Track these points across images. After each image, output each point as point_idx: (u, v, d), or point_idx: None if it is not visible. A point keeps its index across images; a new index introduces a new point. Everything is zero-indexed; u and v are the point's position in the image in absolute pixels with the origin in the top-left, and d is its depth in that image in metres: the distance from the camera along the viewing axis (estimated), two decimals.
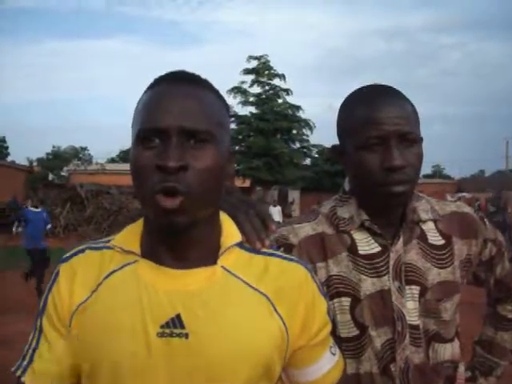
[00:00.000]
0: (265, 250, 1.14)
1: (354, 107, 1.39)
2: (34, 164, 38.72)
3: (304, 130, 32.20)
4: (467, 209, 1.55)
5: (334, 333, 1.35)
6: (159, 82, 1.06)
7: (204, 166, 0.99)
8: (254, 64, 31.64)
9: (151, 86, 1.07)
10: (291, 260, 1.14)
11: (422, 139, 1.39)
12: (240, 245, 1.12)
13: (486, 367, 1.70)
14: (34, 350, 1.09)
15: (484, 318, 1.78)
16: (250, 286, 1.07)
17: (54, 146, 41.70)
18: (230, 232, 1.12)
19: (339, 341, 1.35)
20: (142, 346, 1.00)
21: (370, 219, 1.41)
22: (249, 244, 1.13)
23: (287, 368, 1.13)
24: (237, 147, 31.27)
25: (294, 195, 30.66)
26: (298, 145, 32.58)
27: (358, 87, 1.45)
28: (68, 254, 1.13)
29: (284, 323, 1.07)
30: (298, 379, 1.15)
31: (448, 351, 1.43)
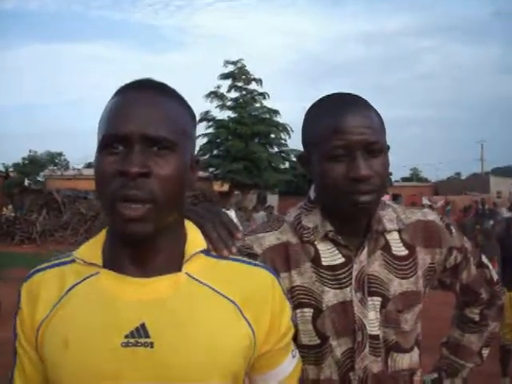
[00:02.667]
0: (231, 256, 1.14)
1: (318, 116, 1.37)
2: (10, 169, 38.20)
3: (282, 135, 32.30)
4: (433, 216, 1.54)
5: (295, 340, 1.35)
6: (125, 89, 1.07)
7: (166, 174, 1.00)
8: (230, 68, 31.68)
9: (117, 93, 1.07)
10: (257, 265, 1.15)
11: (388, 148, 1.39)
12: (205, 252, 1.12)
13: (452, 369, 1.71)
14: (12, 373, 1.12)
15: (451, 320, 1.80)
16: (217, 291, 1.07)
17: (30, 151, 41.15)
18: (195, 239, 1.12)
19: (300, 348, 1.36)
20: (107, 356, 0.99)
21: (334, 230, 1.40)
22: (216, 252, 1.14)
23: (250, 373, 1.14)
24: (215, 151, 31.32)
25: (272, 199, 30.71)
26: (276, 149, 32.68)
27: (322, 95, 1.43)
28: (29, 273, 1.13)
29: (252, 328, 1.07)
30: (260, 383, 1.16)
31: (406, 360, 1.44)
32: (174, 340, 1.00)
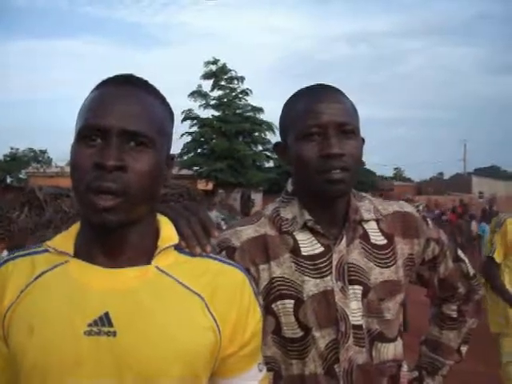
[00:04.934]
0: (204, 253, 1.15)
1: (294, 102, 1.44)
2: None
3: (267, 133, 32.30)
4: (409, 208, 1.57)
5: (278, 333, 1.39)
6: (106, 83, 1.09)
7: (142, 169, 1.02)
8: (211, 68, 31.62)
9: (98, 87, 1.09)
10: (229, 264, 1.16)
11: (363, 140, 1.44)
12: (178, 248, 1.13)
13: (432, 367, 1.72)
14: None
15: (430, 318, 1.81)
16: (184, 285, 1.08)
17: (11, 148, 40.77)
18: (168, 235, 1.13)
19: (284, 341, 1.39)
20: (69, 344, 1.00)
21: (312, 219, 1.41)
22: (188, 249, 1.15)
23: (214, 376, 1.13)
24: (199, 149, 31.22)
25: (256, 197, 30.72)
26: (260, 147, 32.68)
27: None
28: (0, 261, 1.14)
29: (217, 324, 1.08)
30: None
31: (391, 351, 1.45)
32: (137, 330, 1.02)
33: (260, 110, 32.10)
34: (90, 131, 1.02)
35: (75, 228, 1.14)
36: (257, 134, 32.20)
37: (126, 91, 1.05)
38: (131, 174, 1.01)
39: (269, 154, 32.65)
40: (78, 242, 1.11)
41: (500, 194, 28.65)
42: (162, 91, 1.16)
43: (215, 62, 31.47)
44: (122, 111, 1.02)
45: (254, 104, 32.14)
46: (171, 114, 1.16)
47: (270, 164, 33.82)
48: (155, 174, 1.05)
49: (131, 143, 1.02)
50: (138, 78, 1.12)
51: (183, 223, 1.19)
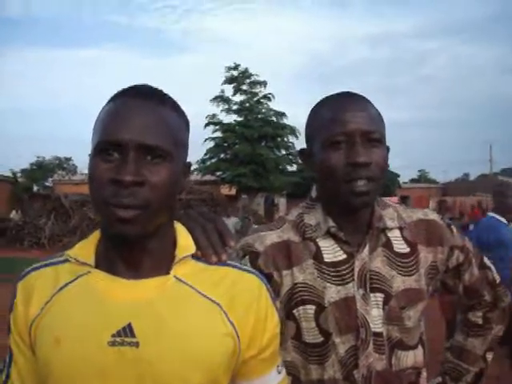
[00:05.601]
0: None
1: (321, 109, 1.44)
2: (18, 175, 38.45)
3: (290, 137, 32.33)
4: (434, 216, 1.56)
5: (299, 338, 1.40)
6: (121, 95, 1.09)
7: (159, 183, 1.02)
8: (233, 73, 31.77)
9: (113, 99, 1.10)
10: (246, 271, 1.17)
11: (388, 149, 1.43)
12: (195, 257, 1.14)
13: (456, 373, 1.70)
14: (8, 369, 1.14)
15: (456, 325, 1.78)
16: (202, 294, 1.09)
17: (37, 157, 41.39)
18: (185, 244, 1.14)
19: (304, 346, 1.39)
20: (95, 355, 1.02)
21: (336, 226, 1.42)
22: (204, 258, 1.15)
23: (236, 379, 1.15)
24: (222, 155, 31.37)
25: (280, 202, 30.71)
26: (283, 151, 32.70)
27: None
28: (24, 272, 1.16)
29: (236, 331, 1.09)
30: None
31: (411, 358, 1.44)
32: (159, 340, 1.03)
33: (283, 114, 32.18)
34: (106, 145, 1.02)
35: (95, 236, 1.15)
36: (279, 138, 32.24)
37: (141, 104, 1.05)
38: (149, 188, 1.01)
39: (292, 158, 32.68)
40: (98, 251, 1.12)
41: None
42: (183, 97, 1.16)
43: (236, 67, 31.67)
44: (138, 125, 1.02)
45: (277, 108, 32.20)
46: (187, 123, 1.15)
47: (293, 168, 33.81)
48: (172, 186, 1.06)
49: (148, 157, 1.03)
50: (152, 88, 1.11)
51: (199, 232, 1.19)
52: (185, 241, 1.14)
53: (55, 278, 1.11)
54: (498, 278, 1.67)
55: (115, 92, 1.11)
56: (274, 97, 32.05)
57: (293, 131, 31.78)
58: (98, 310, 1.05)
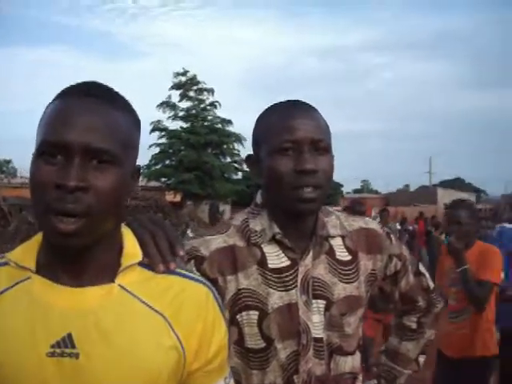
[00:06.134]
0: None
1: (270, 116, 1.46)
2: None
3: (235, 145, 32.35)
4: (374, 225, 1.61)
5: (241, 344, 1.40)
6: (68, 92, 1.03)
7: (105, 188, 0.97)
8: (181, 78, 31.57)
9: (59, 96, 1.03)
10: (194, 279, 1.13)
11: (332, 157, 1.45)
12: (142, 264, 1.09)
13: (390, 376, 1.75)
14: None
15: (391, 329, 1.85)
16: (147, 305, 1.05)
17: None
18: (132, 251, 1.09)
19: (246, 352, 1.40)
20: (33, 366, 0.97)
21: (281, 232, 1.43)
22: (152, 266, 1.11)
23: None
24: (168, 161, 31.06)
25: (225, 209, 30.67)
26: (228, 159, 32.69)
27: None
28: None
29: (181, 343, 1.05)
30: None
31: (349, 364, 1.48)
32: (100, 352, 0.99)
33: (229, 121, 32.15)
34: (50, 147, 0.96)
35: (37, 240, 1.08)
36: (225, 145, 32.21)
37: (89, 103, 0.98)
38: (94, 194, 0.95)
39: (237, 165, 32.71)
40: (39, 256, 1.05)
41: None
42: (131, 101, 1.10)
43: (184, 73, 31.44)
44: (84, 126, 0.96)
45: (223, 116, 32.18)
46: (138, 123, 1.09)
47: (239, 176, 33.84)
48: (120, 192, 1.00)
49: (94, 161, 0.96)
50: (101, 86, 1.05)
51: (148, 238, 1.15)
52: (132, 248, 1.09)
53: None
54: (431, 285, 1.74)
55: (62, 89, 1.04)
56: (220, 104, 32.01)
57: (238, 139, 31.81)
58: (37, 318, 0.99)
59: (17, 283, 1.04)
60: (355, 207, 5.83)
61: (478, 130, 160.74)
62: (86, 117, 0.97)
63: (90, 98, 1.00)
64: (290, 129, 1.38)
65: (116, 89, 1.08)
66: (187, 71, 31.53)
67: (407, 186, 70.82)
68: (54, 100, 1.03)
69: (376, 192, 65.54)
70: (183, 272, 1.14)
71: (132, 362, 1.00)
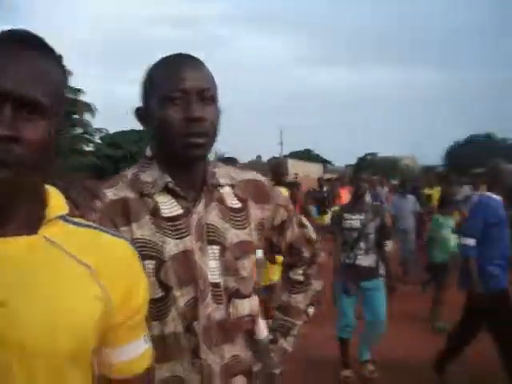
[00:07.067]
0: (93, 224, 1.13)
1: (158, 68, 1.51)
2: None
3: (86, 115, 31.26)
4: (262, 178, 1.70)
5: None
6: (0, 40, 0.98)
7: (36, 139, 0.94)
8: None
9: None
10: (117, 236, 1.14)
11: (219, 107, 1.51)
12: (67, 219, 1.08)
13: (284, 328, 1.83)
14: None
15: (281, 285, 1.94)
16: (72, 256, 1.04)
17: None
18: (57, 204, 1.07)
19: None
20: None
21: (173, 182, 1.47)
22: (81, 215, 1.12)
23: (101, 347, 1.11)
24: None
25: None
26: (79, 130, 31.54)
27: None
28: None
29: (107, 294, 1.05)
30: (111, 359, 1.14)
31: (247, 306, 1.55)
32: (22, 301, 0.96)
33: (79, 90, 30.91)
34: None
35: None
36: (76, 116, 31.01)
37: (18, 51, 0.95)
38: (24, 145, 0.92)
39: (88, 136, 31.67)
40: None
41: (313, 176, 30.55)
42: None
43: None
44: (16, 75, 0.92)
45: (72, 84, 30.84)
46: (66, 73, 1.07)
47: (91, 148, 32.77)
48: (49, 143, 0.98)
49: (24, 111, 0.93)
50: (32, 35, 1.01)
51: (76, 194, 1.20)
52: (57, 202, 1.07)
53: None
54: (314, 236, 1.84)
55: None
56: (70, 72, 30.64)
57: (89, 109, 30.77)
58: None
59: None
60: None
61: (328, 105, 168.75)
62: (19, 65, 0.93)
63: (20, 46, 0.96)
64: (179, 79, 1.43)
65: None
66: None
67: (259, 157, 72.94)
68: None
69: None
70: (106, 229, 1.15)
71: (59, 311, 0.98)
